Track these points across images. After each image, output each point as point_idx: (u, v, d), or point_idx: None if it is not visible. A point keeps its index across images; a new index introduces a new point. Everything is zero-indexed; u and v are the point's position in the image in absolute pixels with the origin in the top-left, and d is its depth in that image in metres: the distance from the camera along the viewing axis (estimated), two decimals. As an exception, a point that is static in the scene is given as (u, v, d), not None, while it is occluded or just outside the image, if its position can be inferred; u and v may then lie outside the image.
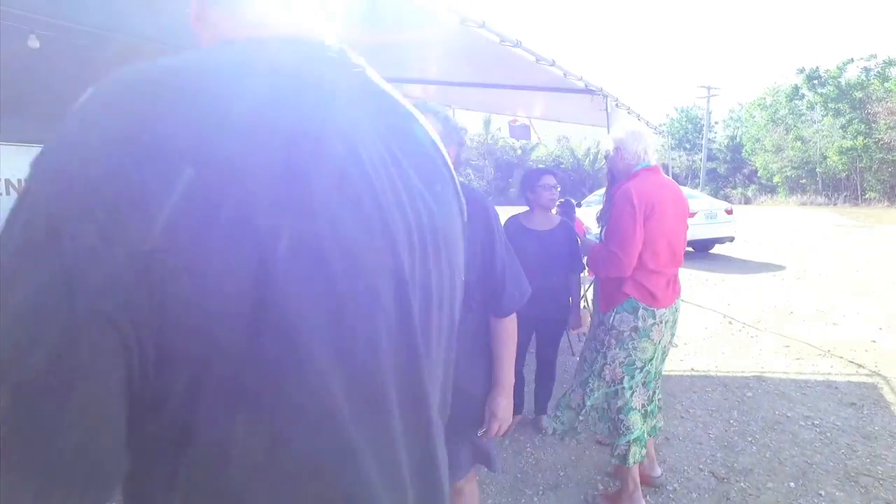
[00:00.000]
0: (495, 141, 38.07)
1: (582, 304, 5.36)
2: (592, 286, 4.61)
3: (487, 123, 36.75)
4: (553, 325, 3.17)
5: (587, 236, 4.71)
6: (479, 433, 1.63)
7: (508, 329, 1.63)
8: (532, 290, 2.97)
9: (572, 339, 4.82)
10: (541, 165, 36.01)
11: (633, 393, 2.40)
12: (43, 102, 3.73)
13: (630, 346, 2.34)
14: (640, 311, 2.32)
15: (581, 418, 2.49)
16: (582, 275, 5.18)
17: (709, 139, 35.50)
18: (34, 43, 3.16)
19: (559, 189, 3.03)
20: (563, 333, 3.31)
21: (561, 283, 3.10)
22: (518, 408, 3.23)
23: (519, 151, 36.68)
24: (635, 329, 2.33)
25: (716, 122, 39.86)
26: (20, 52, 3.12)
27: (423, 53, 3.52)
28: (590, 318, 3.76)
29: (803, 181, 30.25)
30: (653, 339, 2.35)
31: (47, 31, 3.17)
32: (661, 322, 2.36)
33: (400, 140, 0.59)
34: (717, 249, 10.85)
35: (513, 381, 1.65)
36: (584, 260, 5.06)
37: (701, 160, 34.93)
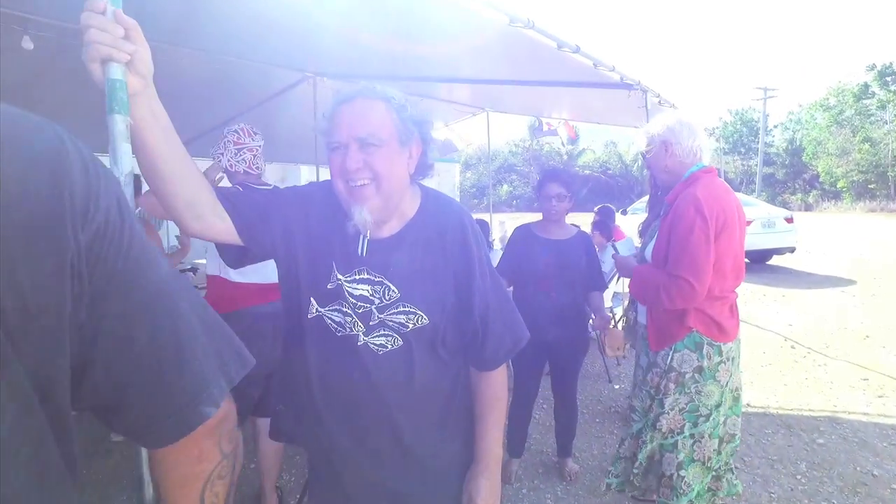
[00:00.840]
0: (541, 146, 37.45)
1: (621, 323, 4.85)
2: (627, 303, 4.10)
3: (532, 128, 36.11)
4: (570, 349, 2.70)
5: (617, 244, 4.19)
6: (454, 525, 1.22)
7: (494, 386, 1.22)
8: (544, 307, 2.56)
9: (609, 364, 4.31)
10: (587, 171, 35.26)
11: (694, 443, 1.98)
12: (37, 104, 3.69)
13: (693, 391, 1.94)
14: (705, 348, 1.91)
15: (636, 471, 2.09)
16: (624, 290, 4.68)
17: (765, 143, 33.73)
18: (28, 44, 3.07)
19: (568, 198, 2.58)
20: (583, 359, 2.82)
21: (578, 299, 2.64)
22: (516, 449, 2.79)
23: (565, 157, 35.95)
24: (699, 370, 1.92)
25: (774, 127, 37.91)
26: (14, 53, 3.02)
27: (447, 50, 3.15)
28: (622, 338, 3.26)
29: (872, 186, 28.17)
30: (719, 381, 1.94)
31: (42, 31, 3.10)
32: (728, 359, 1.95)
33: None
34: (775, 260, 9.98)
35: (500, 455, 1.24)
36: (619, 280, 4.60)
37: (756, 165, 33.19)
